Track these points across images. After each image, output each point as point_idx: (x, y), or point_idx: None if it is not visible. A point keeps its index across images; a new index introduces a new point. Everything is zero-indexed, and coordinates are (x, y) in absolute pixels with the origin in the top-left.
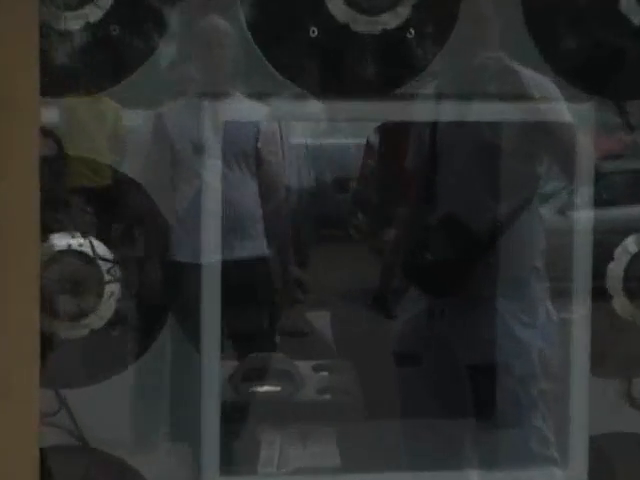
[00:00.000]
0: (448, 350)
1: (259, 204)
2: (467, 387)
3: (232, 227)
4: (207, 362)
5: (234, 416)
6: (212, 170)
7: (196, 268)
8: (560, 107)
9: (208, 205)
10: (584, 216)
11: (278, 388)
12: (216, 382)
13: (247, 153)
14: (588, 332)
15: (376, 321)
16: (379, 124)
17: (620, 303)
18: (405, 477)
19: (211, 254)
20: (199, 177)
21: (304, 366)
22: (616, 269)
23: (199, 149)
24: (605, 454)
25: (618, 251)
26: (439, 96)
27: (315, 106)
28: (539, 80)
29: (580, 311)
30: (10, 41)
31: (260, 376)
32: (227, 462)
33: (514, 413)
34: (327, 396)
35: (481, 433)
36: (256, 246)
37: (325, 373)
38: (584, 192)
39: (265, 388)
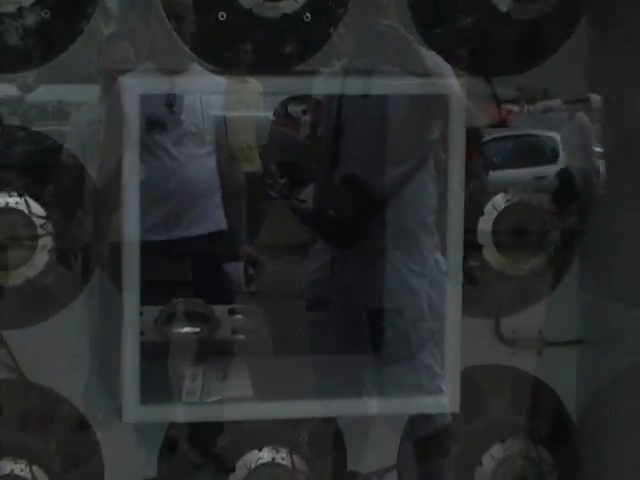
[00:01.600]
0: (349, 295)
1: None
2: (366, 327)
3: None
4: (128, 306)
5: (159, 354)
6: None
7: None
8: (441, 81)
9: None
10: (456, 177)
11: (197, 329)
12: (136, 322)
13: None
14: (460, 279)
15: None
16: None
17: (489, 253)
18: (310, 404)
19: (131, 217)
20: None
21: (221, 310)
22: (485, 223)
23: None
24: (478, 382)
25: (488, 207)
26: (339, 72)
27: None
28: (431, 55)
29: (453, 260)
30: None
31: (181, 319)
32: (150, 393)
33: (406, 350)
34: (241, 336)
35: (378, 367)
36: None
37: (239, 316)
38: (457, 156)
39: (186, 329)
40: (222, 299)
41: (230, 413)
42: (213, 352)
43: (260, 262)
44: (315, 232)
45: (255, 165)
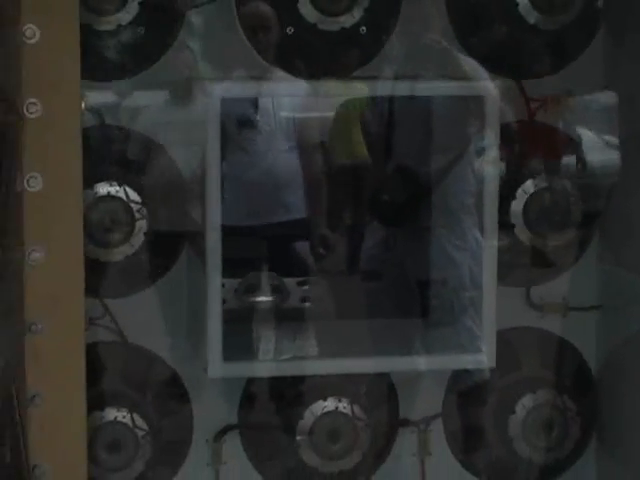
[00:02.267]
0: (400, 268)
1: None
2: (415, 296)
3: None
4: (211, 279)
5: (238, 320)
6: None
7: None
8: (477, 84)
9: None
10: (491, 166)
11: (270, 298)
12: (218, 292)
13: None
14: (495, 253)
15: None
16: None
17: (520, 231)
18: (367, 361)
19: (213, 204)
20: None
21: (290, 282)
22: (517, 206)
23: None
24: (512, 342)
25: (519, 192)
26: (391, 76)
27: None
28: (469, 61)
29: (489, 237)
30: (55, 38)
31: (258, 289)
32: (232, 353)
33: (450, 315)
34: (307, 303)
35: (425, 330)
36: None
37: (306, 287)
38: (492, 148)
39: (261, 298)
40: (293, 273)
41: (299, 369)
42: (284, 318)
43: (332, 244)
44: (372, 214)
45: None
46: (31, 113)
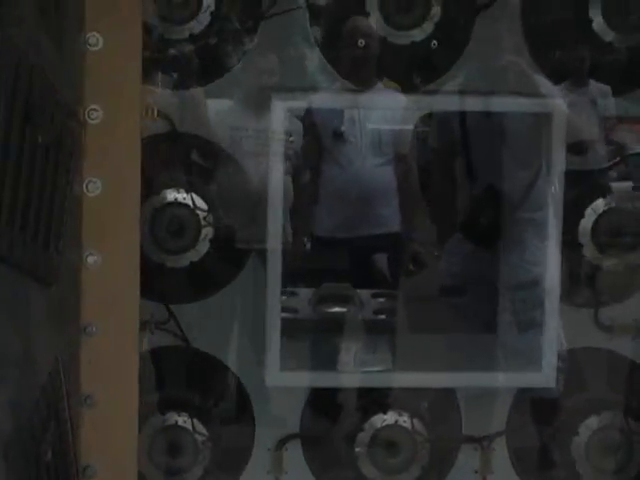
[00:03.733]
0: (478, 285)
1: (394, 187)
2: (489, 312)
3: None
4: (271, 286)
5: (310, 329)
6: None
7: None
8: (546, 101)
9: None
10: (556, 184)
11: (344, 309)
12: (277, 301)
13: (383, 140)
14: (558, 271)
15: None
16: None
17: (589, 250)
18: (439, 376)
19: (276, 218)
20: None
21: (365, 294)
22: (586, 224)
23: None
24: (578, 362)
25: (588, 211)
26: (463, 92)
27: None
28: (543, 81)
29: (552, 256)
30: (118, 46)
31: (331, 300)
32: (296, 362)
33: (518, 333)
34: (382, 316)
35: (494, 347)
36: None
37: (382, 299)
38: (558, 165)
39: (334, 309)
40: (374, 285)
41: (358, 381)
42: (359, 329)
43: (422, 261)
44: (468, 236)
45: None
46: (92, 119)
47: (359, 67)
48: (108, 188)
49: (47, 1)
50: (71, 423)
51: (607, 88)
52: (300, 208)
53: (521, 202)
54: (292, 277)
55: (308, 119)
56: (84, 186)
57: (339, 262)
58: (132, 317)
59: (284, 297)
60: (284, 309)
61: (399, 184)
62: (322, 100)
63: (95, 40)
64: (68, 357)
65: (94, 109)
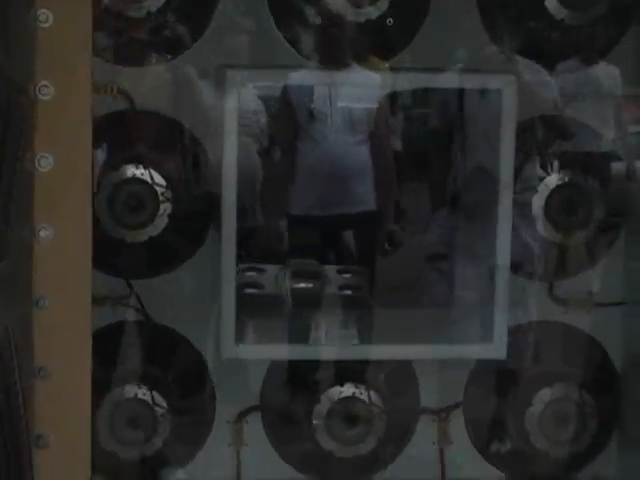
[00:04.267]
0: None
1: (370, 163)
2: (451, 287)
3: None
4: (225, 262)
5: (276, 302)
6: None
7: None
8: (498, 77)
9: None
10: (507, 161)
11: (310, 285)
12: (232, 274)
13: (357, 118)
14: (509, 244)
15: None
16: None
17: (542, 225)
18: (396, 349)
19: (230, 190)
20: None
21: (331, 269)
22: (539, 199)
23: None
24: (532, 336)
25: (541, 186)
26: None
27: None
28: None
29: (503, 230)
30: (68, 22)
31: (297, 276)
32: (259, 336)
33: (475, 306)
34: (347, 292)
35: (450, 319)
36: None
37: (348, 275)
38: (508, 142)
39: (300, 284)
40: (342, 262)
41: (315, 354)
42: (324, 305)
43: (398, 240)
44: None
45: None
46: (43, 95)
47: (319, 45)
48: (60, 163)
49: None
50: (23, 394)
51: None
52: (270, 186)
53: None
54: (261, 254)
55: (279, 96)
56: (36, 161)
57: (311, 240)
58: (84, 290)
59: (252, 273)
60: (251, 285)
61: (374, 162)
62: (280, 77)
63: (45, 17)
64: (19, 329)
65: (45, 85)
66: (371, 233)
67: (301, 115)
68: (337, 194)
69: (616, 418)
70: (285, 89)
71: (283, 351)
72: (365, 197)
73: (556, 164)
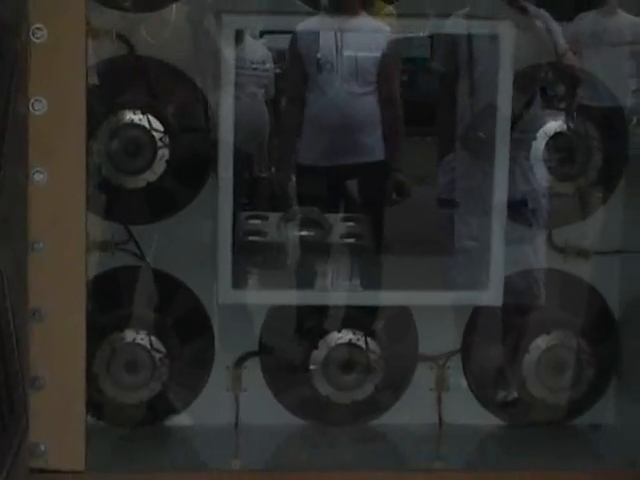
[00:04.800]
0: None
1: (378, 114)
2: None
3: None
4: (221, 204)
5: (278, 249)
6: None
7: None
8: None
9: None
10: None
11: (312, 232)
12: (229, 220)
13: (366, 68)
14: (505, 192)
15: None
16: None
17: (540, 172)
18: (400, 294)
19: (226, 137)
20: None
21: (334, 217)
22: (537, 145)
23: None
24: (530, 283)
25: (539, 133)
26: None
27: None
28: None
29: (499, 177)
30: None
31: (299, 224)
32: (256, 282)
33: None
34: (350, 240)
35: (445, 267)
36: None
37: (351, 223)
38: (506, 90)
39: (302, 232)
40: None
41: (312, 299)
42: (326, 252)
43: (406, 191)
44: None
45: None
46: (37, 38)
47: None
48: (54, 107)
49: None
50: (17, 335)
51: None
52: (277, 135)
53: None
54: (266, 202)
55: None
56: (30, 105)
57: (317, 189)
58: (79, 233)
59: (255, 221)
60: (254, 232)
61: (382, 111)
62: (279, 23)
63: None
64: (14, 272)
65: (39, 28)
66: (378, 183)
67: (309, 65)
68: (345, 144)
69: (614, 366)
70: (292, 38)
71: (280, 297)
72: (373, 147)
73: (556, 111)
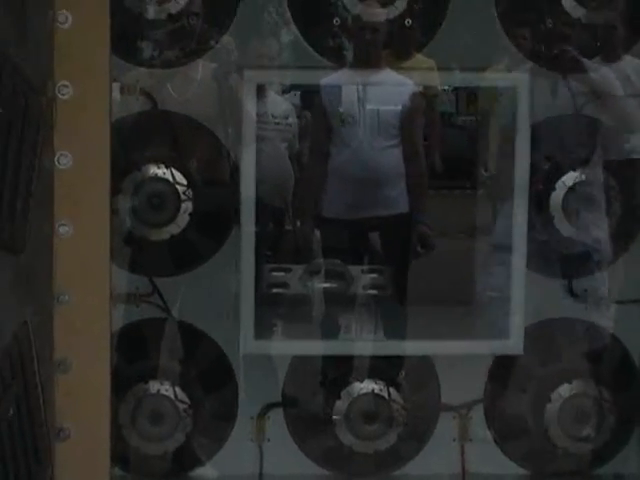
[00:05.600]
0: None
1: (402, 167)
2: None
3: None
4: (244, 256)
5: (301, 301)
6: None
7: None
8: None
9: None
10: (523, 160)
11: (335, 284)
12: (252, 271)
13: (389, 122)
14: (525, 242)
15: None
16: None
17: (559, 222)
18: (422, 344)
19: (248, 191)
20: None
21: (358, 269)
22: (556, 197)
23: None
24: (552, 333)
25: (558, 184)
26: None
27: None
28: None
29: (519, 227)
30: (87, 23)
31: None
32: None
33: (496, 302)
34: (372, 291)
35: (467, 317)
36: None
37: (374, 275)
38: (524, 141)
39: (325, 284)
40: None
41: (335, 349)
42: (348, 303)
43: (431, 244)
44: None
45: None
46: (62, 95)
47: (337, 46)
48: (79, 161)
49: None
50: (42, 386)
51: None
52: (301, 189)
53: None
54: (289, 254)
55: (310, 100)
56: (55, 159)
57: (340, 241)
58: (104, 285)
59: (279, 273)
60: (277, 284)
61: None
62: (299, 78)
63: (64, 18)
64: (39, 323)
65: (64, 85)
66: (402, 235)
67: (332, 118)
68: (368, 197)
69: (636, 414)
70: (315, 92)
71: (303, 347)
72: (397, 199)
73: (573, 162)
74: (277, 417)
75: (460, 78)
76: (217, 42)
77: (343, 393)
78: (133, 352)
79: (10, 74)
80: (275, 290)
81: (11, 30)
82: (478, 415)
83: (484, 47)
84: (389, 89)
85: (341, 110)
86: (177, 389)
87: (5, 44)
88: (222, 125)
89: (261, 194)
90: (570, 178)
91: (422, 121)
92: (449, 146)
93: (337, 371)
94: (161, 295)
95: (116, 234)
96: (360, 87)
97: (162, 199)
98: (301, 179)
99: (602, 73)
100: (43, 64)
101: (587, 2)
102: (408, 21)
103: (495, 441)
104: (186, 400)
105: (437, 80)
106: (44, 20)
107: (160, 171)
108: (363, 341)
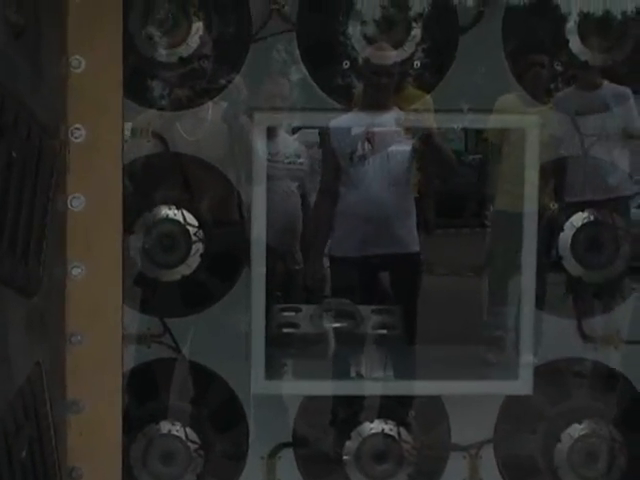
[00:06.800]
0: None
1: (411, 206)
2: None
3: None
4: (255, 296)
5: (311, 341)
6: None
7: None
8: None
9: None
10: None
11: (345, 324)
12: (262, 312)
13: (398, 162)
14: (534, 282)
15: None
16: None
17: (568, 262)
18: (431, 384)
19: (259, 232)
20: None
21: (367, 309)
22: (565, 238)
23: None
24: (562, 373)
25: (566, 225)
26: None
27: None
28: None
29: (528, 268)
30: (99, 68)
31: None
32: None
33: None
34: (382, 331)
35: (476, 357)
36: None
37: (383, 315)
38: (532, 182)
39: (335, 324)
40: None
41: (346, 389)
42: (358, 343)
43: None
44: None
45: None
46: (76, 138)
47: (346, 88)
48: (91, 203)
49: (23, 27)
50: (55, 426)
51: None
52: (311, 229)
53: None
54: (299, 294)
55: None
56: (68, 202)
57: (349, 280)
58: (116, 326)
59: (291, 313)
60: (287, 324)
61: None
62: (308, 120)
63: (77, 62)
64: (51, 364)
65: (77, 128)
66: (411, 274)
67: (341, 158)
68: (377, 236)
69: None
70: (325, 134)
71: (313, 387)
72: (406, 239)
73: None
74: (288, 457)
75: (469, 119)
76: (228, 83)
77: (353, 433)
78: (144, 392)
79: (25, 120)
80: (285, 330)
81: (27, 76)
82: (488, 455)
83: (493, 88)
84: (398, 130)
85: (350, 150)
86: (188, 429)
87: (21, 90)
88: (233, 166)
89: (270, 234)
90: (578, 219)
91: (430, 161)
92: (458, 184)
93: (347, 411)
94: (172, 335)
95: (127, 275)
96: (369, 128)
97: (173, 240)
98: (310, 218)
99: None
100: (56, 108)
101: (594, 45)
102: (417, 63)
103: None
104: (197, 440)
105: (446, 121)
106: (58, 65)
107: (171, 212)
108: (373, 381)
